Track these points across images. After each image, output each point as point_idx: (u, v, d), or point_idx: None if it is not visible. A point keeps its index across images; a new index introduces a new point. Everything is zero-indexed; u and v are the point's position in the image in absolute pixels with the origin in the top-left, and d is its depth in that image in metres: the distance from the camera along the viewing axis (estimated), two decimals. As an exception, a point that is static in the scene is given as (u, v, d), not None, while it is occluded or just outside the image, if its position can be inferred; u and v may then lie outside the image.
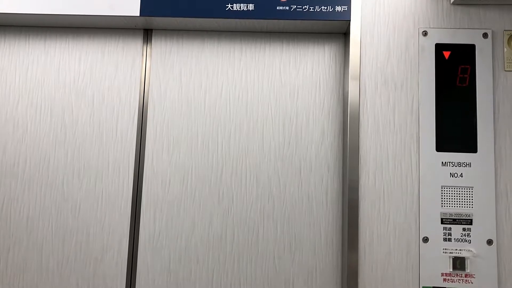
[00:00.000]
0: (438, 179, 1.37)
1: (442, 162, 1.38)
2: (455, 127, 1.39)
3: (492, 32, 1.41)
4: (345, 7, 1.43)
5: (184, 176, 1.52)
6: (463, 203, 1.36)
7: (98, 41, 1.59)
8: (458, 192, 1.37)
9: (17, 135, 1.56)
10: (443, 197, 1.37)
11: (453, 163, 1.38)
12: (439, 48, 1.42)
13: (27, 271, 1.51)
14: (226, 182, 1.51)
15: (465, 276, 1.34)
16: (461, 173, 1.37)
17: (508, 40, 1.41)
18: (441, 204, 1.37)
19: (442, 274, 1.34)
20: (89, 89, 1.57)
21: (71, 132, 1.55)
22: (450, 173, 1.37)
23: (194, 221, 1.50)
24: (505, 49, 1.41)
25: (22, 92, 1.58)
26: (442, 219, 1.36)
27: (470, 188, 1.37)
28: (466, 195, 1.36)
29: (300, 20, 1.45)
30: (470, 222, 1.35)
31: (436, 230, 1.36)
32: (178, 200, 1.51)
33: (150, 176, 1.52)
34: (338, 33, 1.55)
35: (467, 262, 1.34)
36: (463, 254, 1.34)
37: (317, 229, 1.48)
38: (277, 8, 1.44)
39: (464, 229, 1.35)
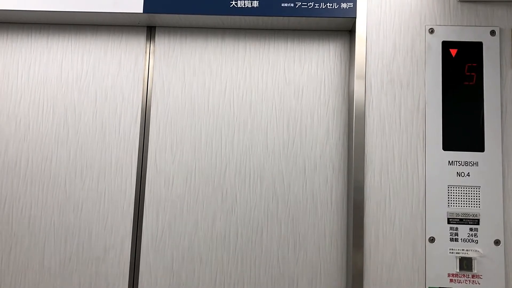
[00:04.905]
0: (445, 179, 1.36)
1: (449, 161, 1.36)
2: (462, 125, 1.37)
3: (500, 29, 1.40)
4: (351, 4, 1.42)
5: (187, 176, 1.50)
6: (470, 202, 1.35)
7: (100, 38, 1.57)
8: (465, 192, 1.35)
9: (19, 134, 1.55)
10: (449, 196, 1.35)
11: (460, 162, 1.36)
12: (446, 45, 1.40)
13: (29, 271, 1.49)
14: (229, 182, 1.50)
15: (472, 277, 1.32)
16: (468, 173, 1.36)
17: (515, 37, 1.40)
18: (447, 204, 1.35)
19: (449, 275, 1.33)
20: (92, 87, 1.56)
21: (73, 130, 1.54)
22: (457, 173, 1.36)
23: (197, 220, 1.49)
24: (512, 47, 1.40)
25: (24, 89, 1.56)
26: (448, 219, 1.34)
27: (477, 188, 1.35)
28: (473, 195, 1.35)
29: (305, 17, 1.43)
30: (477, 222, 1.34)
31: (442, 230, 1.34)
32: (181, 199, 1.50)
33: (153, 175, 1.51)
34: (344, 30, 1.53)
35: (474, 263, 1.32)
36: (470, 254, 1.33)
37: (322, 229, 1.46)
38: (282, 5, 1.43)
39: (471, 229, 1.34)
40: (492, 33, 1.39)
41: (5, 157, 1.54)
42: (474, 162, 1.36)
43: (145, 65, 1.56)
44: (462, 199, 1.35)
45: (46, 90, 1.56)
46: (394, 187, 1.38)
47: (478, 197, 1.35)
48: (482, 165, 1.36)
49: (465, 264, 1.32)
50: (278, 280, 1.45)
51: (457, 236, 1.34)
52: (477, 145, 1.36)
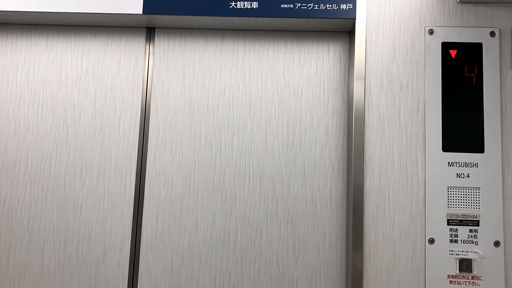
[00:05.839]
0: (444, 180, 1.36)
1: (449, 163, 1.36)
2: (462, 127, 1.37)
3: (500, 30, 1.40)
4: (350, 5, 1.42)
5: (187, 176, 1.50)
6: (470, 204, 1.34)
7: (100, 39, 1.57)
8: (465, 193, 1.35)
9: (18, 134, 1.55)
10: (449, 198, 1.35)
11: (460, 164, 1.36)
12: (446, 47, 1.40)
13: (28, 271, 1.49)
14: (229, 182, 1.50)
15: (472, 278, 1.32)
16: (468, 174, 1.35)
17: (515, 38, 1.40)
18: (447, 205, 1.35)
19: (448, 276, 1.32)
20: (91, 88, 1.56)
21: (73, 131, 1.54)
22: (457, 174, 1.35)
23: (196, 221, 1.49)
24: (512, 48, 1.39)
25: (24, 90, 1.57)
26: (448, 220, 1.34)
27: (477, 189, 1.35)
28: (472, 196, 1.35)
29: (304, 18, 1.43)
30: (477, 223, 1.33)
31: (442, 232, 1.34)
32: (180, 200, 1.50)
33: (153, 176, 1.51)
34: (343, 31, 1.53)
35: (474, 264, 1.32)
36: (470, 255, 1.32)
37: (321, 230, 1.46)
38: (281, 6, 1.43)
39: (470, 231, 1.33)
40: (492, 34, 1.39)
41: (4, 157, 1.54)
42: (474, 163, 1.36)
43: (144, 66, 1.56)
44: (462, 200, 1.35)
45: (45, 91, 1.56)
46: (394, 188, 1.37)
47: (478, 198, 1.34)
48: (482, 166, 1.35)
49: (465, 265, 1.32)
50: (278, 280, 1.45)
51: (457, 237, 1.33)
52: (477, 146, 1.36)
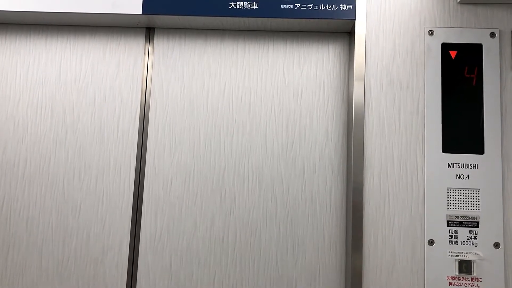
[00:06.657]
0: (444, 181, 1.35)
1: (448, 164, 1.36)
2: (462, 128, 1.37)
3: (500, 31, 1.39)
4: (350, 6, 1.41)
5: (186, 177, 1.50)
6: (470, 205, 1.34)
7: (99, 39, 1.57)
8: (465, 194, 1.35)
9: (17, 135, 1.55)
10: (449, 199, 1.35)
11: (460, 165, 1.36)
12: (446, 47, 1.40)
13: (27, 272, 1.49)
14: (228, 183, 1.49)
15: (472, 280, 1.31)
16: (468, 175, 1.35)
17: (516, 39, 1.40)
18: (447, 206, 1.34)
19: (448, 278, 1.32)
20: (91, 88, 1.55)
21: (72, 131, 1.54)
22: (457, 175, 1.35)
23: (195, 222, 1.48)
24: (512, 49, 1.39)
25: (23, 91, 1.56)
26: (448, 221, 1.34)
27: (477, 190, 1.34)
28: (472, 197, 1.34)
29: (304, 19, 1.43)
30: (476, 224, 1.33)
31: (442, 233, 1.33)
32: (179, 200, 1.49)
33: (152, 177, 1.50)
34: (343, 32, 1.53)
35: (474, 266, 1.31)
36: (470, 257, 1.32)
37: (321, 231, 1.46)
38: (281, 6, 1.42)
39: (470, 232, 1.33)
40: (492, 35, 1.39)
41: (3, 158, 1.54)
42: (474, 165, 1.35)
43: (144, 66, 1.56)
44: (462, 202, 1.34)
45: (44, 91, 1.56)
46: (394, 189, 1.37)
47: (477, 200, 1.34)
48: (482, 168, 1.35)
49: (465, 267, 1.32)
50: (277, 282, 1.45)
51: (457, 238, 1.33)
52: (477, 147, 1.36)
